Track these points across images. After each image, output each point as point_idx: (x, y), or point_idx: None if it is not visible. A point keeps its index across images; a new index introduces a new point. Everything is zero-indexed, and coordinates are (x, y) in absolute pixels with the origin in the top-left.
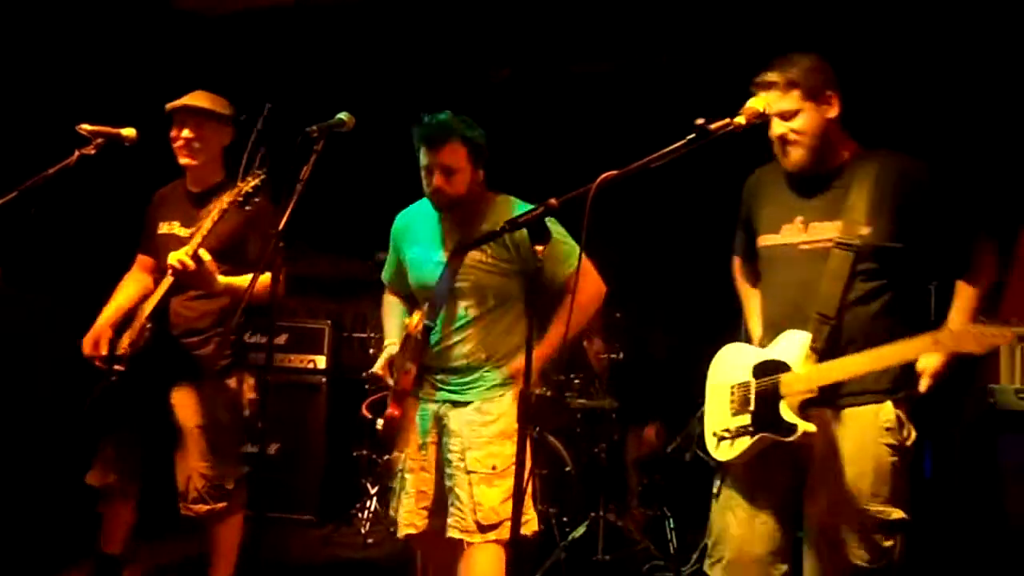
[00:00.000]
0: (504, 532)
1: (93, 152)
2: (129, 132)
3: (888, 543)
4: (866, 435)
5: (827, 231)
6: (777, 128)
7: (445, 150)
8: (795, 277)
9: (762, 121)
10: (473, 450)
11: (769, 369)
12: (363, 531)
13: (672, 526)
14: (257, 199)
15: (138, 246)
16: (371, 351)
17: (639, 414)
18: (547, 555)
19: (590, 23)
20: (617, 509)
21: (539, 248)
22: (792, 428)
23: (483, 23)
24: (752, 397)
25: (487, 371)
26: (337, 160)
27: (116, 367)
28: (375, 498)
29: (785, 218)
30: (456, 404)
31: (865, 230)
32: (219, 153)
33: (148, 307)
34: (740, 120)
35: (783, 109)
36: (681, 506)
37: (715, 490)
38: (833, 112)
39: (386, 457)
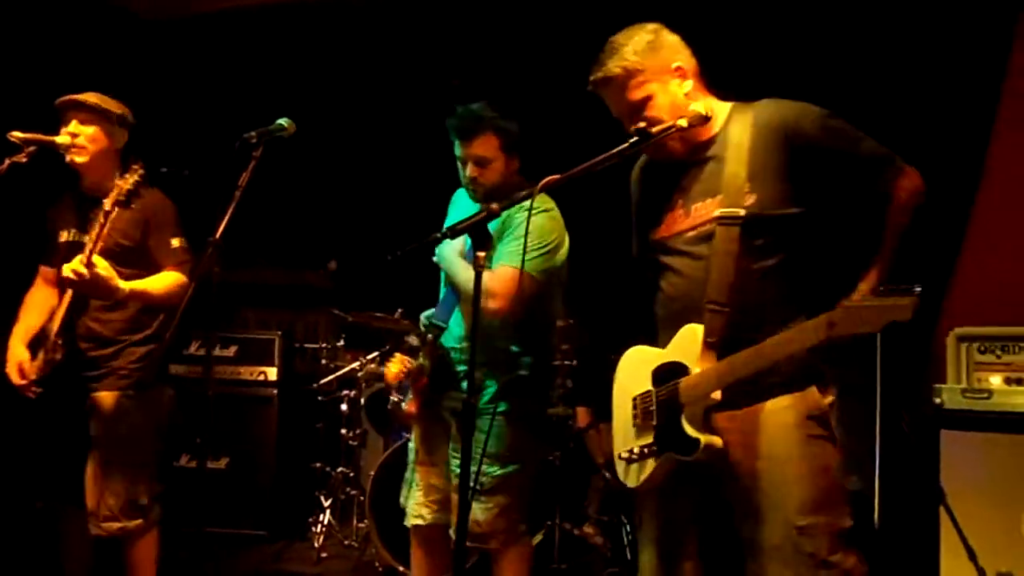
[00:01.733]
0: (495, 543)
1: (25, 160)
2: (64, 139)
3: (844, 561)
4: (785, 426)
5: (709, 209)
6: (634, 126)
7: (477, 141)
8: (686, 267)
9: (704, 123)
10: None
11: (667, 373)
12: (316, 545)
13: (629, 531)
14: (141, 196)
15: (41, 257)
16: (323, 362)
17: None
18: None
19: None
20: (574, 516)
21: (480, 254)
22: (693, 444)
23: (438, 29)
24: (654, 409)
25: (485, 381)
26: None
27: (35, 389)
28: (328, 511)
29: (667, 207)
30: (455, 412)
31: (750, 199)
32: (113, 155)
33: (56, 323)
34: (682, 123)
35: (634, 101)
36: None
37: (636, 519)
38: (687, 85)
39: (340, 469)
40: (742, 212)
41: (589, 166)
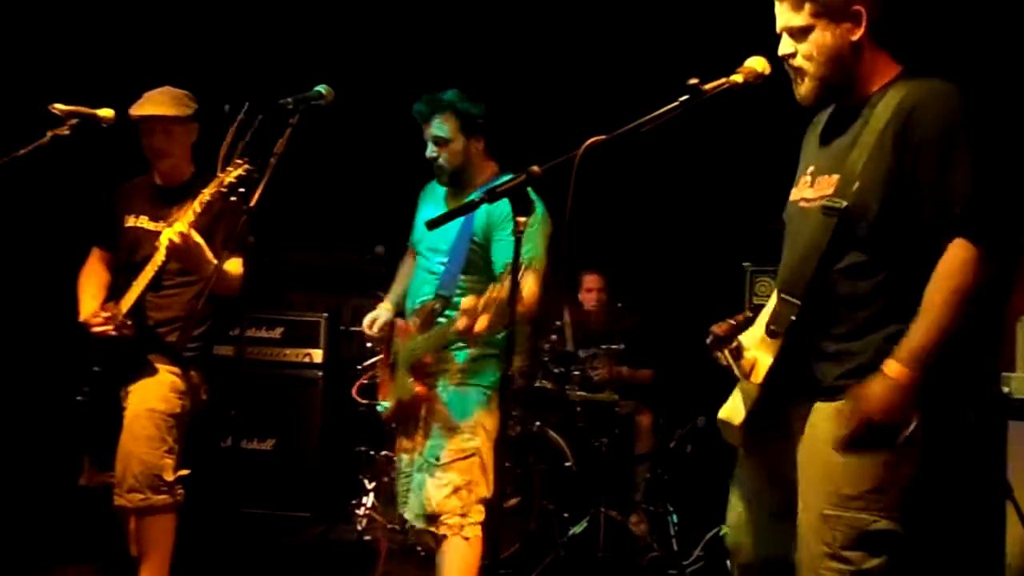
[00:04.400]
0: (444, 528)
1: (67, 133)
2: (106, 113)
3: (862, 561)
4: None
5: (824, 188)
6: (783, 47)
7: (434, 122)
8: (792, 242)
9: (760, 82)
10: (428, 439)
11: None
12: (360, 528)
13: (675, 522)
14: (243, 189)
15: (95, 239)
16: (368, 345)
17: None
18: (547, 552)
19: None
20: (620, 505)
21: (521, 220)
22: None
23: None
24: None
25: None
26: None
27: (128, 323)
28: (372, 494)
29: (802, 169)
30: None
31: (854, 186)
32: (188, 149)
33: (127, 303)
34: (737, 79)
35: (791, 25)
36: (685, 502)
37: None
38: (857, 33)
39: (384, 452)
40: (842, 203)
41: (636, 126)
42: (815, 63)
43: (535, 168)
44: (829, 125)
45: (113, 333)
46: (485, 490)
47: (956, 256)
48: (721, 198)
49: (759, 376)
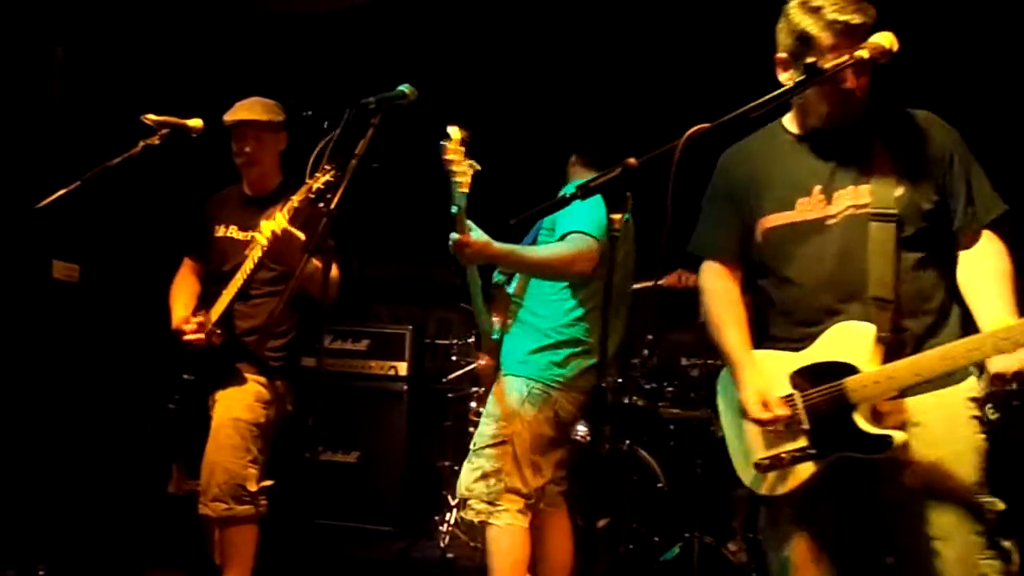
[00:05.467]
0: (472, 513)
1: (158, 142)
2: (196, 123)
3: (1007, 544)
4: (955, 411)
5: (858, 197)
6: (857, 78)
7: None
8: (828, 258)
9: (887, 60)
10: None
11: (821, 375)
12: (443, 544)
13: None
14: (330, 195)
15: (186, 250)
16: (453, 358)
17: None
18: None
19: None
20: (716, 531)
21: (616, 217)
22: (883, 442)
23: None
24: (803, 414)
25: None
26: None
27: (218, 332)
28: (455, 510)
29: (800, 190)
30: None
31: (899, 190)
32: (277, 158)
33: (216, 311)
34: (861, 54)
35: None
36: None
37: (762, 522)
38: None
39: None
40: (895, 207)
41: (744, 112)
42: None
43: (632, 160)
44: (819, 145)
45: (204, 341)
46: (518, 482)
47: (994, 244)
48: None
49: (897, 382)
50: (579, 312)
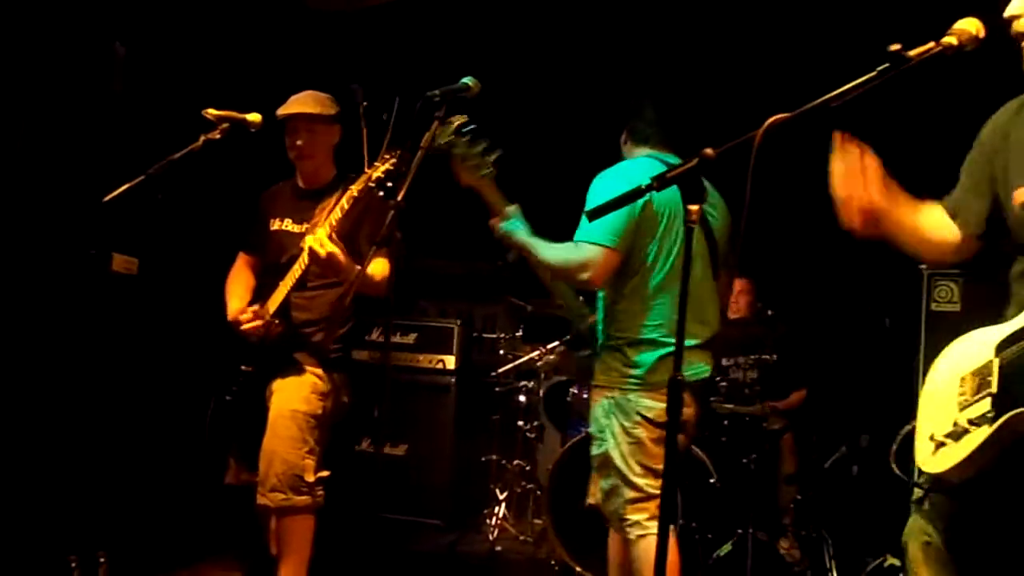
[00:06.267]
0: (622, 533)
1: (219, 137)
2: (254, 118)
3: None
4: None
5: None
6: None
7: None
8: None
9: (975, 48)
10: None
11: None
12: (491, 538)
13: (831, 550)
14: (391, 184)
15: (242, 244)
16: (500, 352)
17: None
18: (691, 574)
19: None
20: (768, 527)
21: (693, 208)
22: None
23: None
24: (995, 377)
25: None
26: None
27: (277, 323)
28: (504, 504)
29: None
30: None
31: None
32: (330, 151)
33: (274, 303)
34: (951, 40)
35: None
36: (842, 526)
37: (915, 497)
38: None
39: (516, 462)
40: None
41: (824, 101)
42: None
43: (709, 151)
44: None
45: (262, 331)
46: (633, 491)
47: None
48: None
49: None
50: (629, 309)
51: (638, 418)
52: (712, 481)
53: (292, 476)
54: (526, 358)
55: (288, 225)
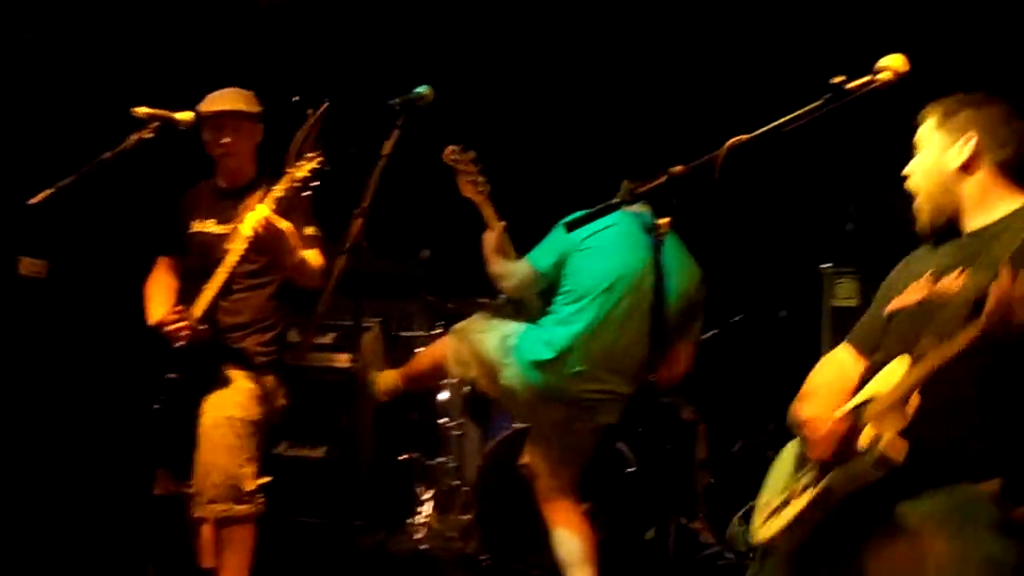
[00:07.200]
0: None
1: (151, 136)
2: (185, 116)
3: None
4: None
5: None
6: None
7: None
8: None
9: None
10: None
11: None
12: (416, 537)
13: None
14: (317, 183)
15: (161, 246)
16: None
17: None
18: (611, 559)
19: None
20: (688, 511)
21: (662, 222)
22: (867, 451)
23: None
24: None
25: None
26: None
27: (201, 327)
28: (428, 503)
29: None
30: None
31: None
32: (254, 150)
33: (200, 307)
34: (886, 76)
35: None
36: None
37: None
38: (965, 161)
39: (439, 459)
40: None
41: (777, 126)
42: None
43: (676, 168)
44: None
45: (188, 334)
46: None
47: None
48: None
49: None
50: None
51: None
52: (631, 470)
53: (231, 486)
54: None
55: (210, 226)
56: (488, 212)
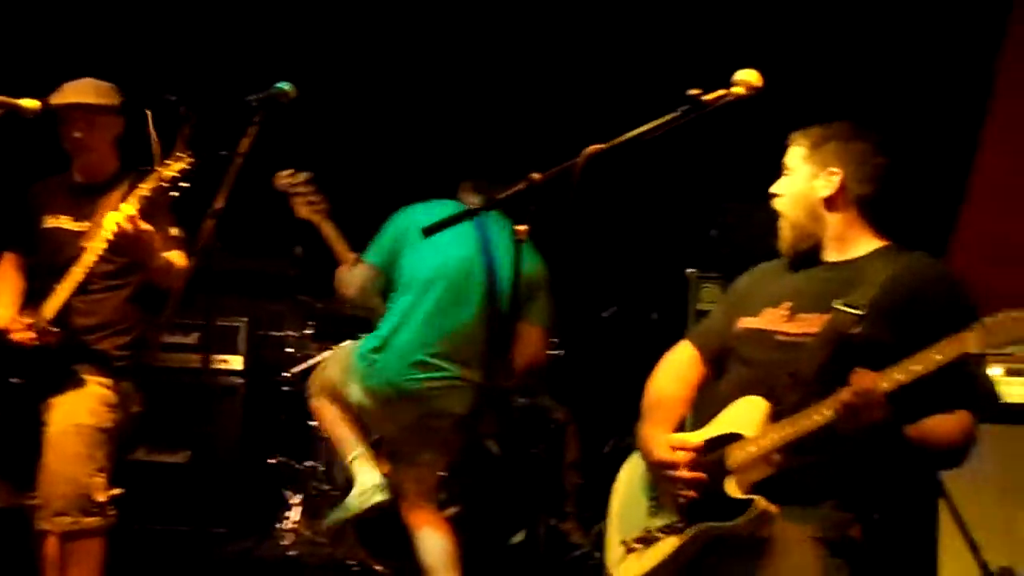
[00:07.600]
0: None
1: None
2: (31, 104)
3: None
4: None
5: (808, 326)
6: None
7: None
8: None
9: (757, 93)
10: None
11: (712, 447)
12: (284, 543)
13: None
14: (186, 184)
15: (8, 242)
16: (288, 351)
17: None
18: (481, 561)
19: None
20: (558, 513)
21: (520, 228)
22: (742, 507)
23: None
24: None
25: None
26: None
27: (54, 331)
28: (296, 507)
29: (767, 301)
30: None
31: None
32: (113, 144)
33: (50, 308)
34: (739, 91)
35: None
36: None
37: None
38: (832, 194)
39: (308, 463)
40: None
41: (636, 135)
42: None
43: (536, 175)
44: (803, 267)
45: (37, 341)
46: None
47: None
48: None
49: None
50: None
51: None
52: (502, 472)
53: (80, 497)
54: (318, 357)
55: (65, 223)
56: (328, 230)
